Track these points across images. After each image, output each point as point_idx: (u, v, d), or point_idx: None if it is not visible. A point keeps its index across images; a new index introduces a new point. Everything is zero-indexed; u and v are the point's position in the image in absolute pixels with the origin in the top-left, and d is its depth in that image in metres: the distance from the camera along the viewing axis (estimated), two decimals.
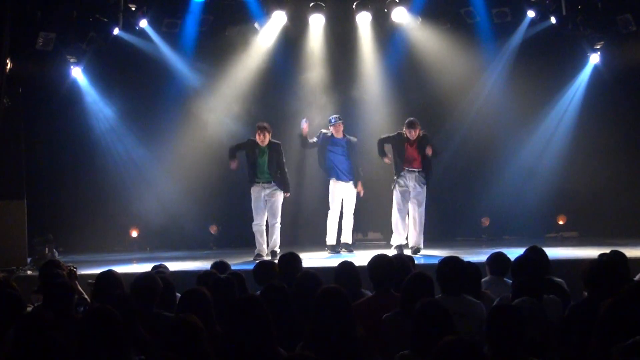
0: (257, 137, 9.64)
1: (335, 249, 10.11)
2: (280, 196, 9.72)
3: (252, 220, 9.73)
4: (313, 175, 11.20)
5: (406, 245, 9.70)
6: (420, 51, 11.86)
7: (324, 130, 10.14)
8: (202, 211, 11.96)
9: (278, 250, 9.56)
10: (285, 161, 9.83)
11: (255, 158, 9.65)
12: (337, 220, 10.13)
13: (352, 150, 10.07)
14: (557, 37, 11.44)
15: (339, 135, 10.03)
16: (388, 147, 9.83)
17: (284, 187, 9.74)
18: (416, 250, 9.53)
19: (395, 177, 9.66)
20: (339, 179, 10.05)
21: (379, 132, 10.28)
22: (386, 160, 9.80)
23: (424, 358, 3.53)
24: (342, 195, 10.10)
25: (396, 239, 9.68)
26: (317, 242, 10.41)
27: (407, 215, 9.70)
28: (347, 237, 10.17)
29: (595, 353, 3.63)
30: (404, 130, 9.61)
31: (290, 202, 10.84)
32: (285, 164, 9.82)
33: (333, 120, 10.06)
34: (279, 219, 9.72)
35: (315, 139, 10.08)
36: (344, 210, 10.13)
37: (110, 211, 11.95)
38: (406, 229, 9.70)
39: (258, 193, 9.68)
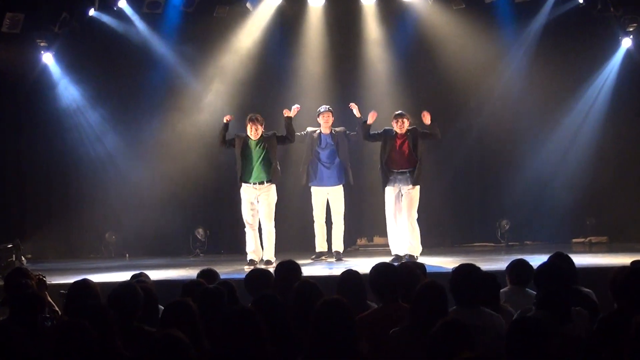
0: (249, 130, 9.51)
1: (320, 256, 10.05)
2: (274, 197, 9.60)
3: (243, 224, 9.65)
4: None
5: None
6: (431, 34, 11.88)
7: (310, 129, 10.07)
8: (188, 214, 11.97)
9: (273, 260, 9.38)
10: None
11: (245, 155, 9.51)
12: (323, 228, 10.10)
13: (342, 142, 9.96)
14: (586, 18, 11.46)
15: (327, 130, 9.99)
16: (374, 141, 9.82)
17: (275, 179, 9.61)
18: (411, 258, 9.24)
19: (383, 181, 9.63)
20: (318, 184, 10.03)
21: (384, 126, 10.23)
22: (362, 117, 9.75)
23: None
24: (326, 201, 10.07)
25: (394, 248, 9.67)
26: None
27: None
28: (337, 245, 10.10)
29: None
30: (392, 123, 9.62)
31: (295, 207, 10.82)
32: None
33: (322, 109, 10.01)
34: (272, 223, 9.61)
35: (302, 133, 10.01)
36: (332, 215, 10.10)
37: (85, 214, 11.97)
38: (399, 236, 9.66)
39: (249, 195, 9.56)
